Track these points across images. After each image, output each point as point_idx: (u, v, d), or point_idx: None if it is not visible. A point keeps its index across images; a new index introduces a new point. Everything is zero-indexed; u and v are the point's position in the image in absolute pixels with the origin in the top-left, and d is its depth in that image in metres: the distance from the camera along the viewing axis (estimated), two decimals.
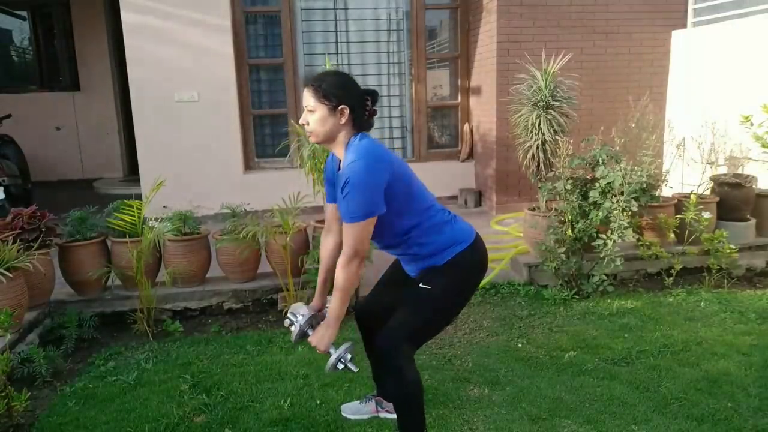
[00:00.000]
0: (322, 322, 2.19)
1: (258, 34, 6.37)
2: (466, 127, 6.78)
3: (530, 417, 2.63)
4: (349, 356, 2.16)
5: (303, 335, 2.25)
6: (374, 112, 2.18)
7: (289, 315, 2.32)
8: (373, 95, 2.17)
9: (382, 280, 2.53)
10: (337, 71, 2.27)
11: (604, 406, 2.71)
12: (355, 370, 2.18)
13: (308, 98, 2.10)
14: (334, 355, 2.14)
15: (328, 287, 2.44)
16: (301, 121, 2.17)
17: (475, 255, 2.24)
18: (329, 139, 2.14)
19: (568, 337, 3.42)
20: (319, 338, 2.15)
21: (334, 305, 2.12)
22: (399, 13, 6.55)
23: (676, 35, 6.13)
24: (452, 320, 2.42)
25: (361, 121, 2.14)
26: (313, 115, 2.10)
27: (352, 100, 2.10)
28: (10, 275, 3.04)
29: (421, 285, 2.20)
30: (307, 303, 3.82)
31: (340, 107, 2.08)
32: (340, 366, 2.15)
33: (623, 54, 6.09)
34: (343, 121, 2.10)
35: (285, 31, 6.24)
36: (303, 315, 2.29)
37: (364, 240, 2.04)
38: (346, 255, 2.05)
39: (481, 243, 2.29)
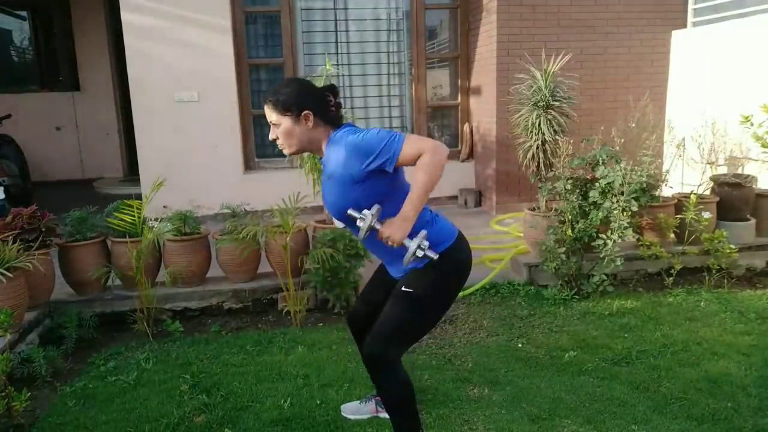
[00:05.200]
0: (397, 215, 2.03)
1: (258, 34, 6.37)
2: (466, 127, 6.78)
3: (530, 417, 2.63)
4: (426, 243, 2.04)
5: (370, 229, 2.07)
6: (339, 105, 2.19)
7: (350, 211, 2.10)
8: (333, 90, 2.18)
9: (368, 284, 2.52)
10: (291, 79, 2.29)
11: (604, 406, 2.71)
12: (435, 257, 2.04)
13: (270, 113, 2.11)
14: (415, 242, 2.01)
15: None
16: (271, 137, 2.17)
17: (456, 255, 2.19)
18: (305, 145, 2.15)
19: (568, 337, 3.42)
20: (394, 229, 1.99)
21: (415, 197, 1.98)
22: (399, 13, 6.55)
23: (676, 35, 6.13)
24: (438, 321, 2.39)
25: (329, 118, 2.15)
26: (279, 128, 2.11)
27: (313, 102, 2.11)
28: (10, 275, 3.04)
29: (403, 288, 2.17)
30: (307, 302, 3.83)
31: (303, 113, 2.09)
32: (420, 253, 2.01)
33: (623, 54, 6.09)
34: (310, 125, 2.10)
35: (285, 31, 6.24)
36: (368, 210, 2.10)
37: (423, 140, 1.98)
38: (428, 154, 1.94)
39: (464, 242, 2.25)
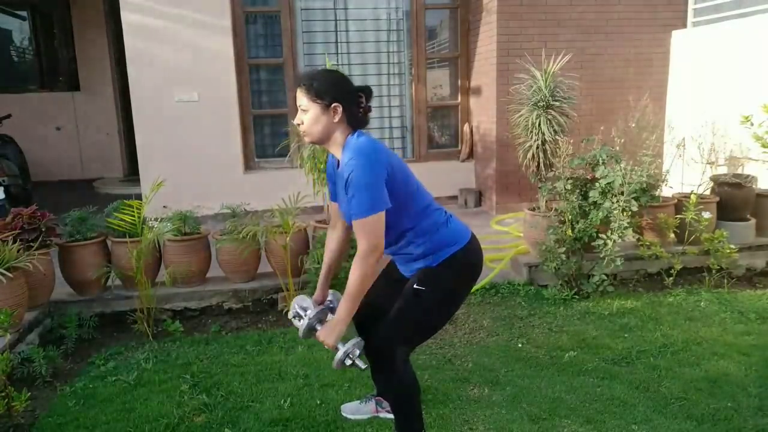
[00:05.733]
0: (332, 318, 2.15)
1: (258, 34, 6.37)
2: (466, 127, 6.78)
3: (530, 417, 2.63)
4: (357, 352, 2.12)
5: (311, 330, 2.21)
6: (369, 109, 2.17)
7: (296, 308, 2.27)
8: (367, 92, 2.16)
9: (377, 281, 2.52)
10: (329, 69, 2.27)
11: (604, 406, 2.71)
12: (363, 366, 2.13)
13: (301, 97, 2.10)
14: (342, 350, 2.10)
15: (330, 280, 2.44)
16: (295, 121, 2.16)
17: (469, 256, 2.22)
18: (324, 138, 2.13)
19: (568, 337, 3.42)
20: (327, 333, 2.09)
21: (346, 301, 2.07)
22: (399, 13, 6.55)
23: (676, 35, 6.13)
24: (447, 321, 2.41)
25: (355, 119, 2.13)
26: (307, 114, 2.09)
27: (345, 97, 2.10)
28: (10, 275, 3.04)
29: (415, 286, 2.18)
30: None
31: (333, 105, 2.07)
32: (348, 362, 2.10)
33: (623, 54, 6.09)
34: (336, 119, 2.09)
35: (285, 31, 6.24)
36: (311, 309, 2.26)
37: (377, 235, 2.01)
38: (362, 250, 2.01)
39: (476, 244, 2.27)
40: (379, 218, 2.01)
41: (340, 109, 2.08)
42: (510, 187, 6.10)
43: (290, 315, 2.32)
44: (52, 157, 8.84)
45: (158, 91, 5.88)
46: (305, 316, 2.22)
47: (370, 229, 2.00)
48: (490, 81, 6.02)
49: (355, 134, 2.11)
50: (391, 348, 2.17)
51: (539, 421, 2.60)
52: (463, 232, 2.25)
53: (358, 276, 2.03)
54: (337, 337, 2.09)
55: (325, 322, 2.21)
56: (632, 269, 4.31)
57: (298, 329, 2.29)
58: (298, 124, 2.14)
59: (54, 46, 9.25)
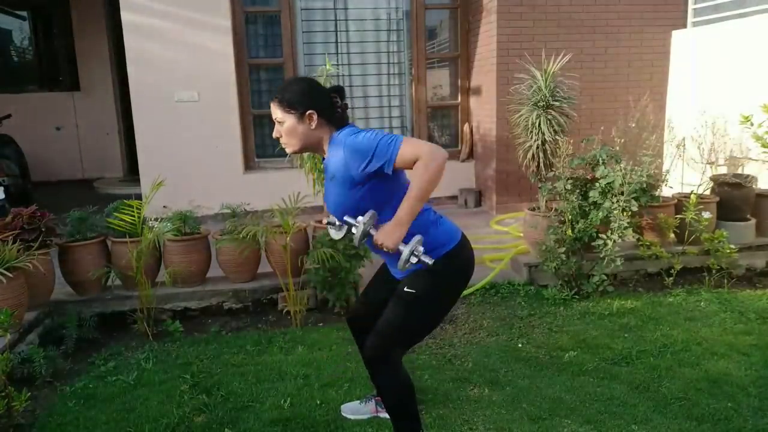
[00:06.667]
0: (390, 220, 2.02)
1: (258, 34, 6.37)
2: (466, 127, 6.78)
3: (530, 417, 2.63)
4: (421, 249, 2.01)
5: (365, 235, 2.07)
6: (345, 107, 2.18)
7: (346, 218, 2.11)
8: (339, 91, 2.17)
9: (370, 284, 2.52)
10: (299, 78, 2.29)
11: (604, 406, 2.71)
12: (430, 262, 2.01)
13: (275, 111, 2.12)
14: (408, 248, 1.98)
15: None
16: (274, 135, 2.17)
17: (460, 256, 2.20)
18: (306, 145, 2.15)
19: (568, 337, 3.42)
20: (387, 234, 1.97)
21: (409, 204, 1.96)
22: (399, 13, 6.55)
23: (676, 35, 6.13)
24: (440, 321, 2.39)
25: (334, 119, 2.14)
26: (283, 125, 2.11)
27: (318, 102, 2.10)
28: (10, 275, 3.04)
29: (406, 288, 2.17)
30: (307, 302, 3.83)
31: (307, 113, 2.08)
32: (414, 260, 1.99)
33: (623, 54, 6.09)
34: (313, 125, 2.10)
35: (285, 31, 6.24)
36: (362, 216, 2.08)
37: (422, 144, 1.95)
38: (422, 161, 1.92)
39: (467, 244, 2.25)
40: (405, 140, 1.95)
41: (315, 116, 2.09)
42: (510, 187, 6.11)
43: (333, 231, 2.17)
44: (52, 157, 8.83)
45: (158, 91, 5.88)
46: (357, 222, 2.07)
47: (413, 146, 1.94)
48: (490, 81, 6.02)
49: (341, 131, 2.12)
50: (387, 349, 2.16)
51: (539, 421, 2.60)
52: (454, 231, 2.23)
53: (426, 179, 1.92)
54: (398, 239, 1.97)
55: (378, 227, 2.06)
56: (632, 269, 4.31)
57: (334, 236, 2.16)
58: (277, 138, 2.15)
59: (54, 46, 9.25)
